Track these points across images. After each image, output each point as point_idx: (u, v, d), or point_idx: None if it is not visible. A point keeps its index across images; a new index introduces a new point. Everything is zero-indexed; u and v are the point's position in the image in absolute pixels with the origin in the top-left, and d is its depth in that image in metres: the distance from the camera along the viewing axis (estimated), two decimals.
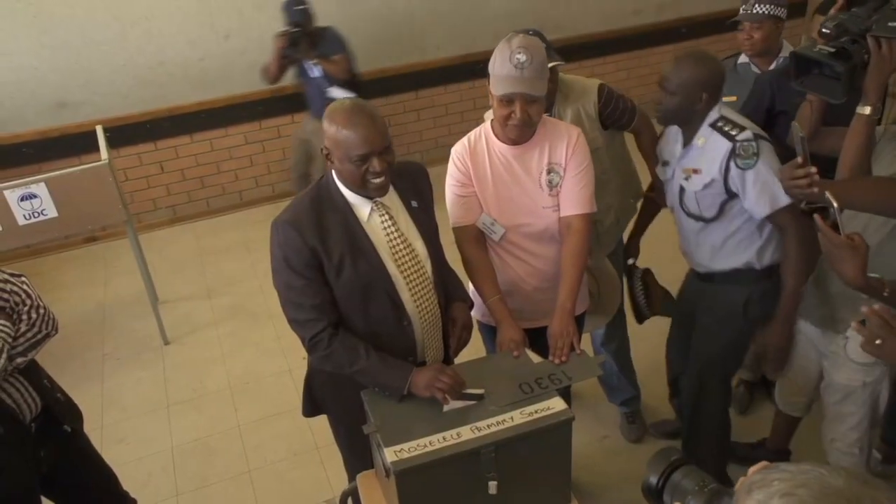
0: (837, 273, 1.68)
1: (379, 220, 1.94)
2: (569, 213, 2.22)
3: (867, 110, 1.85)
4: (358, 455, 2.11)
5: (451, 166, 2.24)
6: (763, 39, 2.75)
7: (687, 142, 2.29)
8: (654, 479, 1.08)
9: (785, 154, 2.46)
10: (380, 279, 1.92)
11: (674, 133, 2.38)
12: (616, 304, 2.73)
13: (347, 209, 1.91)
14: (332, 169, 1.92)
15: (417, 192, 2.05)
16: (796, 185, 1.88)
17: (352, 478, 2.18)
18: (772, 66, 2.84)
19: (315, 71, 4.27)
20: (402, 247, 1.96)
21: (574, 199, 2.21)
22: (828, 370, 2.30)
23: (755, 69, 2.91)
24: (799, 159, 1.87)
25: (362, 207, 1.93)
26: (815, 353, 2.36)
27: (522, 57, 1.97)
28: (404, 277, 1.96)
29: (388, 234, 1.95)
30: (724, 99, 2.96)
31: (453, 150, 2.25)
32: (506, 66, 1.99)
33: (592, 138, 2.47)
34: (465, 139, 2.25)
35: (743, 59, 2.95)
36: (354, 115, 1.79)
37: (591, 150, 2.39)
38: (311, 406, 2.21)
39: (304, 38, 4.18)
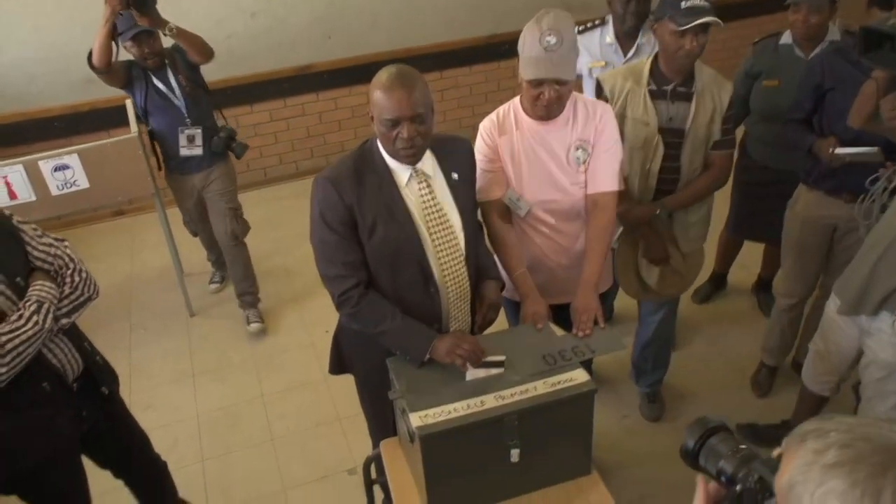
0: None
1: (416, 187, 1.96)
2: (596, 190, 2.23)
3: None
4: (381, 418, 2.15)
5: (478, 141, 2.25)
6: (819, 24, 2.74)
7: None
8: (691, 443, 1.11)
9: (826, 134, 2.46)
10: (410, 244, 1.95)
11: None
12: (688, 287, 2.81)
13: (387, 173, 1.94)
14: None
15: (459, 166, 2.06)
16: None
17: (376, 444, 2.22)
18: (816, 51, 2.81)
19: (172, 78, 3.43)
20: (436, 216, 1.98)
21: (602, 176, 2.21)
22: (871, 347, 2.28)
23: (799, 52, 2.88)
24: None
25: (401, 173, 1.95)
26: (856, 332, 2.33)
27: (553, 39, 1.96)
28: (435, 246, 1.98)
29: (424, 202, 1.97)
30: (766, 83, 2.96)
31: (482, 125, 2.26)
32: (535, 49, 1.99)
33: (711, 132, 2.44)
34: (493, 114, 2.26)
35: (786, 39, 2.92)
36: (394, 80, 1.81)
37: (703, 143, 2.42)
38: (338, 364, 2.26)
39: None
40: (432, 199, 1.98)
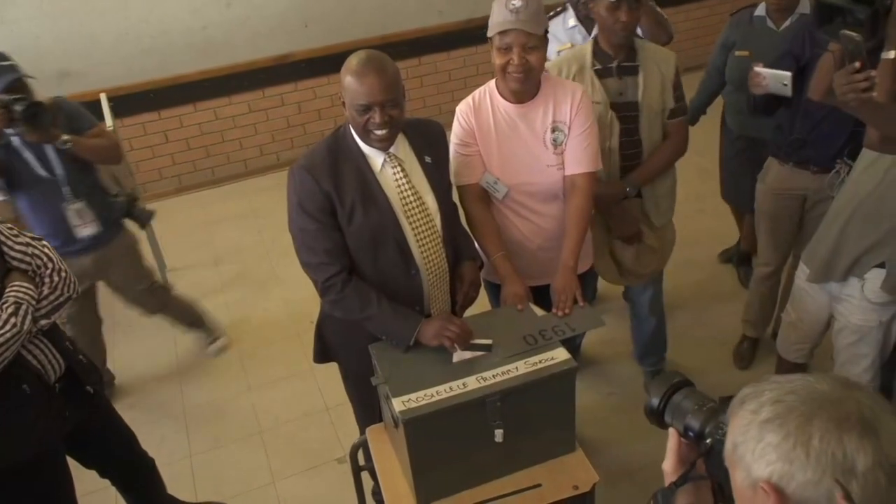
0: None
1: (391, 171, 1.96)
2: (573, 171, 2.23)
3: (892, 54, 1.86)
4: (367, 405, 2.15)
5: (455, 125, 2.25)
6: None
7: None
8: (655, 401, 1.10)
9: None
10: (389, 228, 1.95)
11: None
12: (666, 262, 2.83)
13: (361, 158, 1.94)
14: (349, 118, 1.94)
15: (432, 149, 2.06)
16: (854, 88, 1.84)
17: (363, 431, 2.22)
18: (786, 23, 2.85)
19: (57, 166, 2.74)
20: (412, 199, 1.98)
21: (579, 157, 2.21)
22: (842, 313, 2.34)
23: (770, 24, 2.93)
24: (857, 64, 1.84)
25: (375, 158, 1.95)
26: (825, 299, 2.39)
27: (518, 3, 1.98)
28: (413, 229, 1.98)
29: (399, 186, 1.97)
30: (737, 53, 3.00)
31: (458, 108, 2.26)
32: (502, 13, 2.01)
33: (664, 100, 2.47)
34: (469, 98, 2.25)
35: (760, 11, 2.97)
36: (365, 66, 1.81)
37: (658, 113, 2.45)
38: (322, 353, 2.26)
39: (37, 111, 2.51)
40: (407, 182, 1.98)
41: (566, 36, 3.02)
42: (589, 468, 1.93)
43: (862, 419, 0.79)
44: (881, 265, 2.17)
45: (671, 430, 1.08)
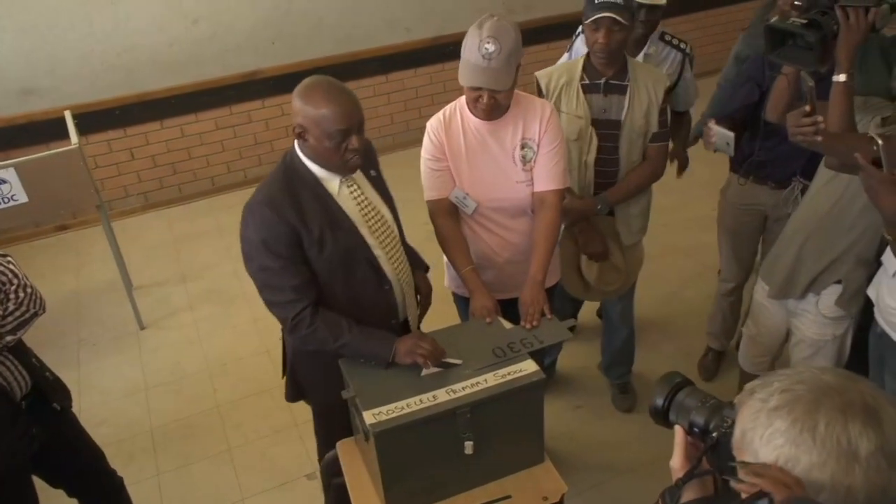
0: (879, 207, 1.80)
1: (348, 191, 1.98)
2: (543, 188, 2.26)
3: (842, 77, 1.92)
4: (332, 446, 2.15)
5: (425, 140, 2.28)
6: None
7: None
8: (659, 401, 1.14)
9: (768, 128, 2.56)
10: (359, 248, 1.97)
11: None
12: (634, 279, 2.88)
13: (318, 184, 1.93)
14: (302, 147, 1.91)
15: (371, 163, 2.11)
16: (802, 132, 1.93)
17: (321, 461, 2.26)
18: None
19: None
20: (372, 214, 2.01)
21: (548, 174, 2.25)
22: (798, 328, 2.42)
23: None
24: (807, 107, 1.93)
25: (331, 181, 1.95)
26: (783, 313, 2.47)
27: (491, 47, 1.98)
28: (380, 243, 2.01)
29: (359, 204, 1.99)
30: None
31: (428, 123, 2.29)
32: (474, 55, 2.01)
33: (649, 123, 2.51)
34: (440, 113, 2.28)
35: None
36: (333, 92, 1.81)
37: (640, 135, 2.49)
38: (294, 391, 2.26)
39: None
40: (365, 199, 2.01)
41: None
42: (558, 479, 1.96)
43: (866, 407, 0.84)
44: (837, 281, 2.25)
45: (677, 428, 1.12)
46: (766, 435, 0.87)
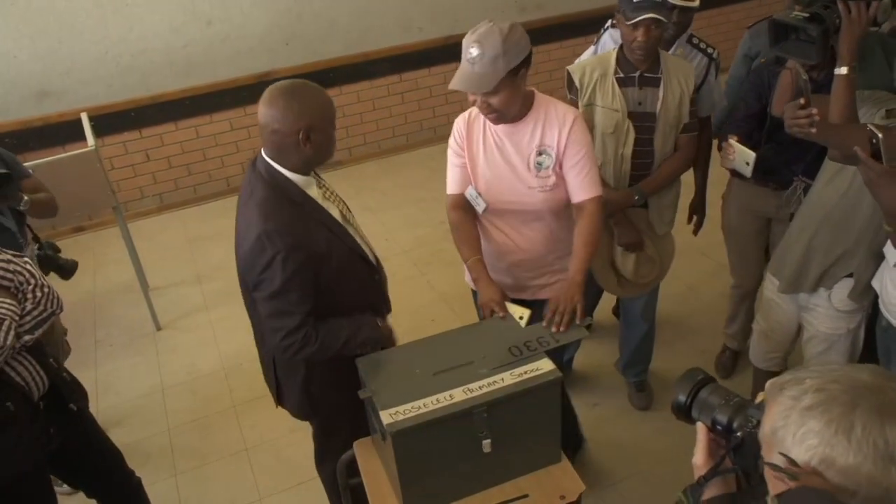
0: (878, 200, 1.81)
1: (320, 192, 2.00)
2: (580, 198, 2.25)
3: (844, 70, 1.93)
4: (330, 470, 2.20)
5: (452, 134, 2.32)
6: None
7: None
8: (682, 398, 1.13)
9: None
10: (354, 246, 2.00)
11: None
12: (664, 274, 2.87)
13: (303, 194, 1.94)
14: (285, 156, 1.88)
15: None
16: (798, 124, 1.94)
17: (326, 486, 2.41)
18: None
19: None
20: (343, 206, 2.05)
21: (580, 185, 2.23)
22: (811, 322, 2.39)
23: None
24: (801, 100, 1.94)
25: (310, 187, 1.96)
26: (794, 308, 2.45)
27: (474, 52, 1.99)
28: (358, 235, 2.06)
29: (333, 202, 2.03)
30: (763, 62, 2.95)
31: (456, 119, 2.32)
32: (462, 60, 2.04)
33: (681, 114, 2.54)
34: (467, 111, 2.30)
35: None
36: (306, 85, 1.88)
37: (674, 126, 2.52)
38: (310, 409, 2.27)
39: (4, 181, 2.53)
40: (332, 192, 2.04)
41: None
42: (575, 478, 1.94)
43: None
44: (849, 275, 2.23)
45: (699, 425, 1.11)
46: (798, 434, 0.86)
